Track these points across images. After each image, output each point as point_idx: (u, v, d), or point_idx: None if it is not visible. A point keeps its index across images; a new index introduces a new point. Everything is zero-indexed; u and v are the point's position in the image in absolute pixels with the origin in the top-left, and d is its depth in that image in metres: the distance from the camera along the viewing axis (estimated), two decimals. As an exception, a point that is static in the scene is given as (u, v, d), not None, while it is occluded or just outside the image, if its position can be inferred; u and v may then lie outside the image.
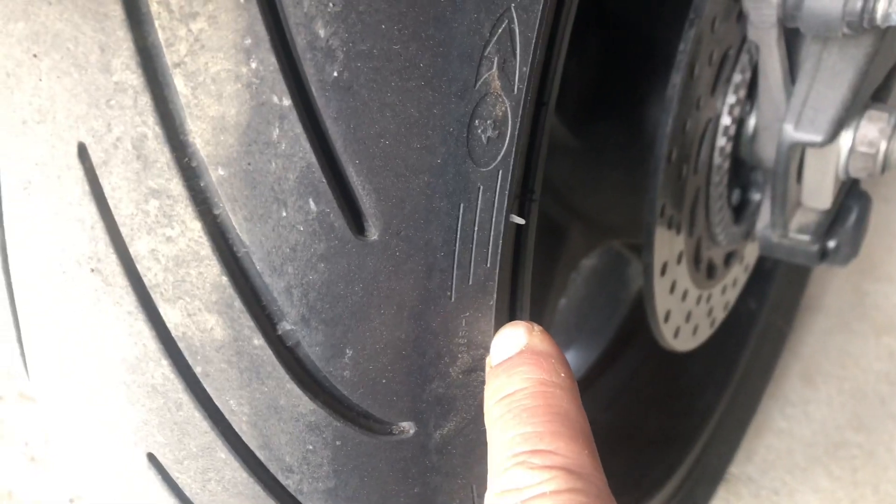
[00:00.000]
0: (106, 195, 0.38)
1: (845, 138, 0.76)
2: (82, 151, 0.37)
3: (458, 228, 0.39)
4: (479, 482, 0.45)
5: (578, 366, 1.10)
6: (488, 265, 0.40)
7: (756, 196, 0.85)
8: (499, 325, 0.43)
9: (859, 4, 0.64)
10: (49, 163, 0.38)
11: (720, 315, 0.93)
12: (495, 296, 0.41)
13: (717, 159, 0.75)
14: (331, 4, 0.34)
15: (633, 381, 1.10)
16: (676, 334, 0.81)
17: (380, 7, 0.35)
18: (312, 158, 0.36)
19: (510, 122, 0.38)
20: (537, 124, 0.40)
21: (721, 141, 0.74)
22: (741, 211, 0.85)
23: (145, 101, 0.35)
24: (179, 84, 0.35)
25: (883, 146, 0.75)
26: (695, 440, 1.06)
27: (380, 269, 0.38)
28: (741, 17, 0.70)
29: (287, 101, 0.35)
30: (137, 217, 0.37)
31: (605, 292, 1.11)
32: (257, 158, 0.36)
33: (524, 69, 0.38)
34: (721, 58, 0.71)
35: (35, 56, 0.37)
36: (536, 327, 0.41)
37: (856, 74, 0.70)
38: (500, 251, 0.40)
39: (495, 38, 0.37)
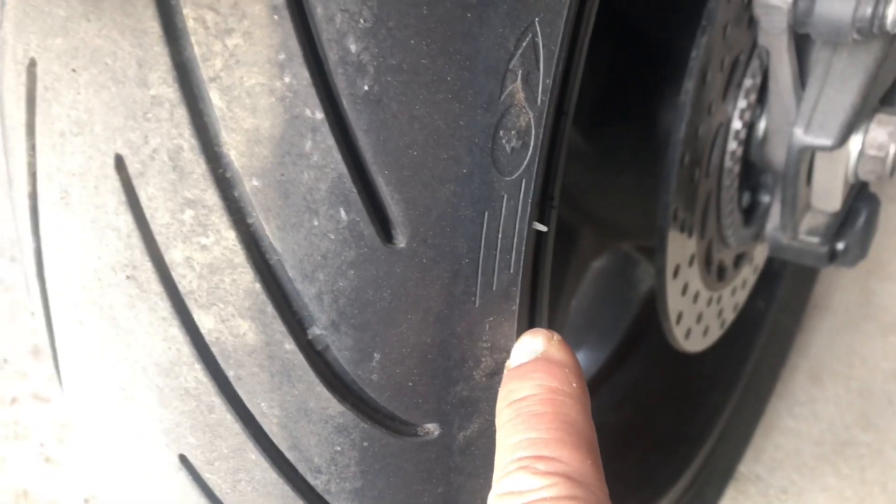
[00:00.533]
0: (142, 205, 0.39)
1: (855, 142, 0.77)
2: (119, 163, 0.39)
3: (483, 236, 0.40)
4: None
5: (588, 366, 1.11)
6: (511, 271, 0.41)
7: (766, 198, 0.86)
8: (521, 329, 0.44)
9: (869, 11, 0.65)
10: (86, 173, 0.40)
11: (730, 316, 0.95)
12: (518, 301, 0.42)
13: (728, 163, 0.76)
14: (362, 21, 0.35)
15: (643, 380, 1.11)
16: (688, 335, 0.82)
17: (409, 23, 0.36)
18: (343, 169, 0.37)
19: (533, 132, 0.39)
20: (558, 133, 0.42)
21: (732, 145, 0.75)
22: (751, 213, 0.86)
23: (181, 113, 0.37)
24: (215, 97, 0.36)
25: (892, 149, 0.76)
26: (704, 439, 1.07)
27: (407, 276, 0.39)
28: (752, 22, 0.71)
29: (319, 115, 0.36)
30: (173, 226, 0.39)
31: (614, 294, 1.12)
32: (290, 169, 0.37)
33: (547, 81, 0.39)
34: (732, 63, 0.72)
35: (74, 70, 0.38)
36: (556, 336, 0.42)
37: (865, 79, 0.71)
38: (522, 258, 0.41)
39: (520, 52, 0.38)
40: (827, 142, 0.72)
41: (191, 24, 0.36)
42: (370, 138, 0.37)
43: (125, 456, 0.47)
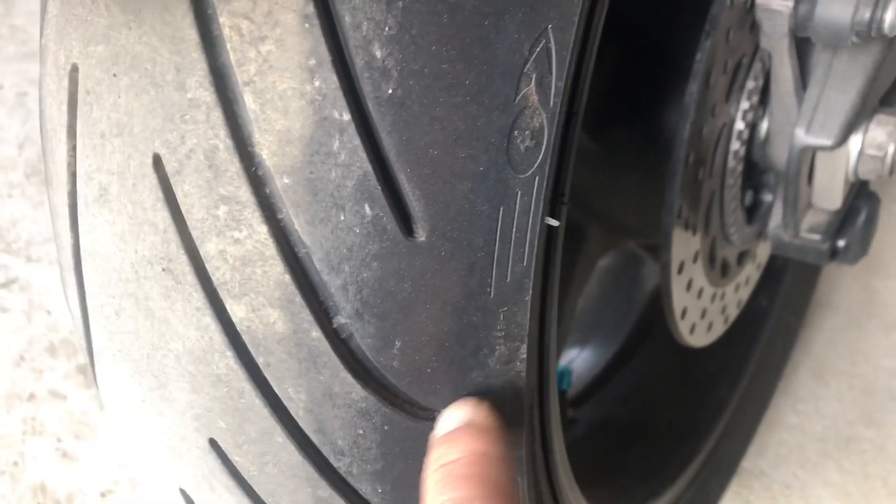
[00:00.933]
0: (178, 201, 0.41)
1: (855, 142, 0.79)
2: (157, 161, 0.41)
3: (498, 230, 0.42)
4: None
5: (595, 362, 1.14)
6: (524, 263, 0.44)
7: (768, 197, 0.88)
8: (533, 319, 0.46)
9: (868, 14, 0.67)
10: (125, 172, 0.42)
11: (733, 312, 0.97)
12: (531, 292, 0.45)
13: (731, 162, 0.78)
14: (387, 28, 0.38)
15: (649, 376, 1.13)
16: (692, 331, 0.84)
17: (431, 30, 0.38)
18: (368, 168, 0.39)
19: (546, 132, 0.42)
20: (568, 133, 0.44)
21: (735, 145, 0.78)
22: (754, 211, 0.89)
23: (217, 115, 0.39)
24: (249, 101, 0.39)
25: (891, 149, 0.78)
26: (708, 434, 1.09)
27: (426, 268, 0.42)
28: (754, 26, 0.73)
29: (346, 116, 0.38)
30: (208, 221, 0.41)
31: (620, 291, 1.14)
32: (319, 168, 0.39)
33: (559, 84, 0.42)
34: (735, 66, 0.74)
35: (115, 75, 0.41)
36: (484, 403, 0.45)
37: (864, 80, 0.73)
38: (535, 251, 0.44)
39: (534, 57, 0.40)
40: (827, 142, 0.74)
41: (226, 31, 0.38)
42: (393, 138, 0.39)
43: (159, 440, 0.49)
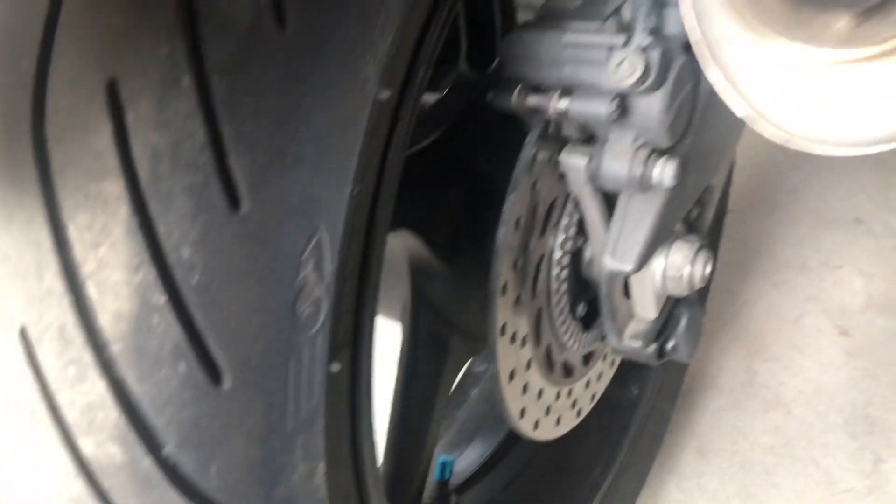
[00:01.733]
0: (39, 362, 0.54)
1: (659, 263, 0.95)
2: (23, 332, 0.54)
3: (291, 377, 0.56)
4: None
5: (480, 452, 1.26)
6: (315, 401, 0.57)
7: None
8: (341, 439, 0.59)
9: (638, 172, 0.83)
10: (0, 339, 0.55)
11: (587, 405, 1.10)
12: (323, 422, 0.58)
13: (554, 285, 0.93)
14: (192, 235, 0.52)
15: (528, 463, 1.25)
16: (536, 427, 0.97)
17: (226, 233, 0.52)
18: (182, 336, 0.52)
19: (324, 301, 0.56)
20: (343, 301, 0.58)
21: (556, 271, 0.93)
22: (591, 320, 1.03)
23: (66, 300, 0.52)
24: (91, 289, 0.52)
25: (687, 270, 0.94)
26: (583, 515, 1.21)
27: (233, 409, 0.55)
28: (563, 176, 0.89)
29: (163, 300, 0.52)
30: (61, 378, 0.54)
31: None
32: (144, 337, 0.53)
33: (333, 265, 0.56)
34: (548, 208, 0.90)
35: (-9, 268, 0.54)
36: None
37: (655, 218, 0.89)
38: (323, 390, 0.57)
39: (309, 248, 0.54)
40: (627, 267, 0.89)
41: (73, 238, 0.52)
42: (202, 313, 0.53)
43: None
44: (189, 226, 0.52)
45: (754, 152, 2.14)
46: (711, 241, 1.50)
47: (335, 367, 0.57)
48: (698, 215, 1.02)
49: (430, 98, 1.02)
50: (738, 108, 0.55)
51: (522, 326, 0.90)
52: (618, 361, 1.18)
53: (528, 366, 0.93)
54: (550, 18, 0.88)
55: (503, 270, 0.84)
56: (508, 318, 0.87)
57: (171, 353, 0.53)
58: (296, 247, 0.54)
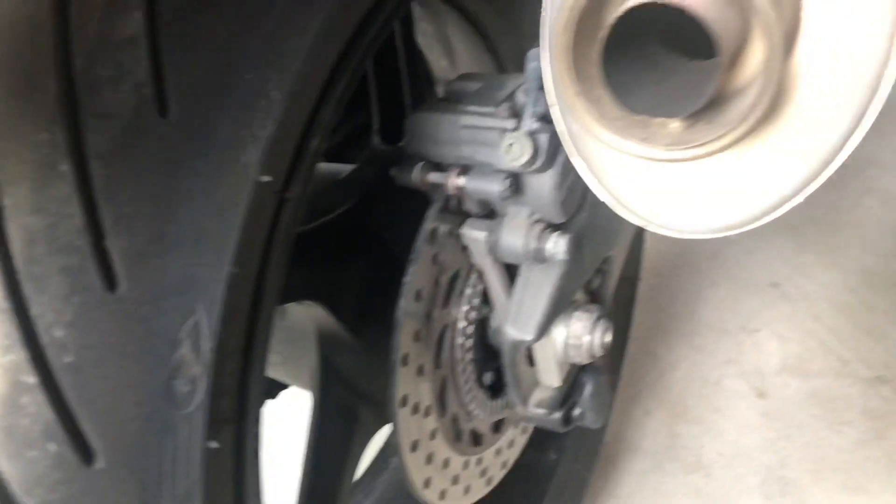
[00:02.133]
0: None
1: (561, 332, 0.98)
2: None
3: (168, 454, 0.56)
4: None
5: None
6: (191, 478, 0.57)
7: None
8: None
9: (533, 246, 0.87)
10: None
11: (498, 473, 1.11)
12: (200, 498, 0.58)
13: (458, 353, 0.95)
14: (66, 315, 0.53)
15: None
16: (443, 496, 0.98)
17: (101, 312, 0.53)
18: (52, 416, 0.53)
19: (201, 380, 0.57)
20: (224, 378, 0.59)
21: (461, 340, 0.95)
22: (499, 388, 1.05)
23: (-65, 381, 0.52)
24: (-41, 369, 0.52)
25: (586, 339, 0.97)
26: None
27: (106, 488, 0.55)
28: (466, 247, 0.93)
29: (34, 380, 0.52)
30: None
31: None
32: (14, 417, 0.53)
33: (211, 344, 0.57)
34: (451, 279, 0.92)
35: None
36: None
37: (552, 288, 0.92)
38: (199, 466, 0.57)
39: (187, 326, 0.56)
40: (528, 337, 0.92)
41: (-55, 319, 0.52)
42: (75, 393, 0.53)
43: None
44: (63, 306, 0.53)
45: (676, 219, 2.22)
46: (624, 310, 1.55)
47: (213, 444, 0.58)
48: (600, 284, 1.06)
49: (343, 170, 1.05)
50: (599, 194, 0.59)
51: (426, 396, 0.91)
52: (531, 428, 1.19)
53: (433, 436, 0.94)
54: (452, 99, 0.92)
55: (404, 341, 0.85)
56: (410, 388, 0.88)
57: (42, 433, 0.53)
58: (172, 326, 0.55)
